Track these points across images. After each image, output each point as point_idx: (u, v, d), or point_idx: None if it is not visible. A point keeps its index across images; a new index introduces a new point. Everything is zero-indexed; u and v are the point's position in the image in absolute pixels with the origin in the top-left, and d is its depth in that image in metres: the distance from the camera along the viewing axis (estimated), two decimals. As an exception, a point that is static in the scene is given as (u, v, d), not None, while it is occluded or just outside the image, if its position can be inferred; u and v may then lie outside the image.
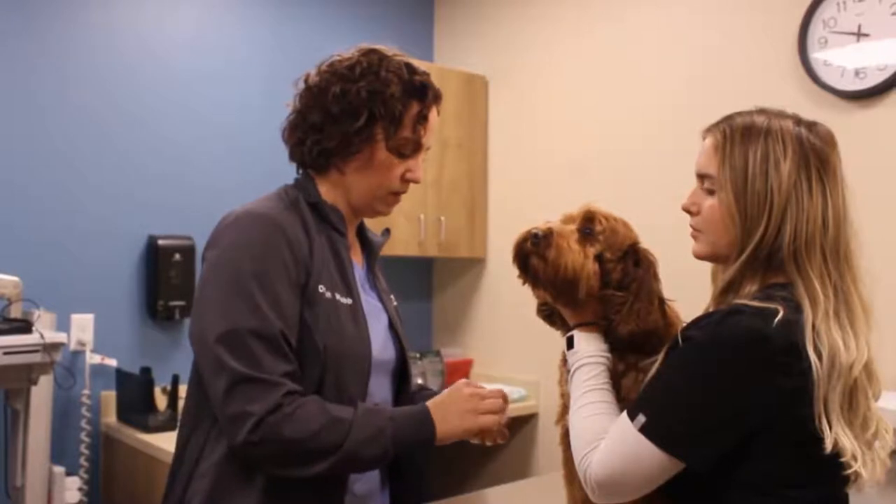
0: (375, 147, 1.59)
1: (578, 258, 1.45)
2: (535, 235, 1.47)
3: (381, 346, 1.63)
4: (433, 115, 1.65)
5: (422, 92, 1.62)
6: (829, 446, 1.25)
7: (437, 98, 1.66)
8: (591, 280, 1.45)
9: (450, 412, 1.54)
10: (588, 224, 1.49)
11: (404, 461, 1.69)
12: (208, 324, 1.46)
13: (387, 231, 1.82)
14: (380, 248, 1.78)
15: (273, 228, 1.50)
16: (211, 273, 1.51)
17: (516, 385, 3.94)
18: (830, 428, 1.25)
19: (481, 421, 1.56)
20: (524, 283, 1.54)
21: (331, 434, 1.44)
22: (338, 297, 1.55)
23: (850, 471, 1.27)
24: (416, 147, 1.63)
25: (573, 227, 1.49)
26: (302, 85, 1.65)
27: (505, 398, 1.62)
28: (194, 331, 1.50)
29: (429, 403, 1.55)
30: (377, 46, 1.65)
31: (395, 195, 1.66)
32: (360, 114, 1.57)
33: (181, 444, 1.58)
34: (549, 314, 1.62)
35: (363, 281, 1.69)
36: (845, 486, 1.33)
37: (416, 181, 1.66)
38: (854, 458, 1.27)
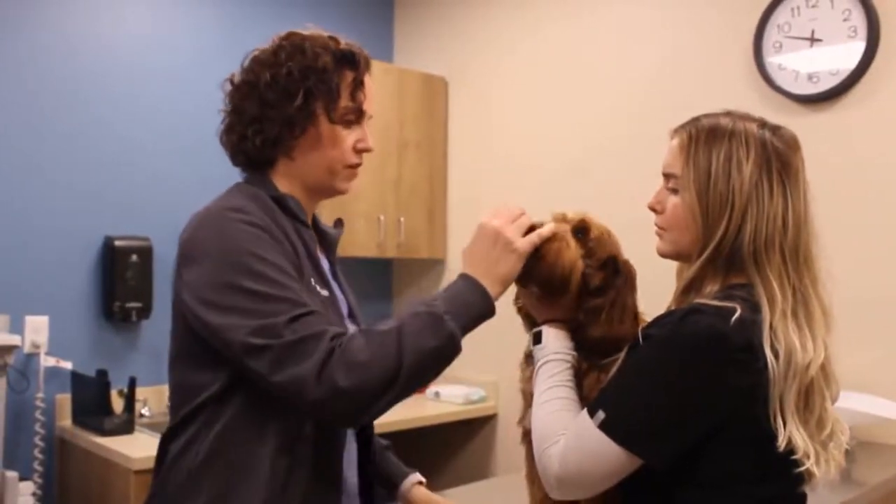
0: (319, 123, 1.56)
1: (575, 256, 1.44)
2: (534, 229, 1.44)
3: None
4: (368, 80, 1.63)
5: (352, 59, 1.60)
6: (782, 444, 1.26)
7: (368, 64, 1.64)
8: (578, 280, 1.44)
9: (489, 259, 1.44)
10: (581, 230, 1.48)
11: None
12: (236, 326, 1.38)
13: (339, 221, 1.78)
14: (336, 239, 1.76)
15: (251, 220, 1.47)
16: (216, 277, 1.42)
17: (475, 386, 3.92)
18: (784, 426, 1.27)
19: (525, 245, 1.43)
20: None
21: (386, 339, 1.36)
22: (318, 288, 1.53)
23: (802, 469, 1.29)
24: (359, 114, 1.61)
25: (567, 227, 1.48)
26: (229, 86, 1.62)
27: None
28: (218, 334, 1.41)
29: (463, 264, 1.47)
30: (295, 30, 1.63)
31: (352, 168, 1.63)
32: (296, 93, 1.54)
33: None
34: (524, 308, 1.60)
35: (328, 273, 1.66)
36: (798, 484, 1.34)
37: (367, 150, 1.63)
38: (807, 456, 1.28)
